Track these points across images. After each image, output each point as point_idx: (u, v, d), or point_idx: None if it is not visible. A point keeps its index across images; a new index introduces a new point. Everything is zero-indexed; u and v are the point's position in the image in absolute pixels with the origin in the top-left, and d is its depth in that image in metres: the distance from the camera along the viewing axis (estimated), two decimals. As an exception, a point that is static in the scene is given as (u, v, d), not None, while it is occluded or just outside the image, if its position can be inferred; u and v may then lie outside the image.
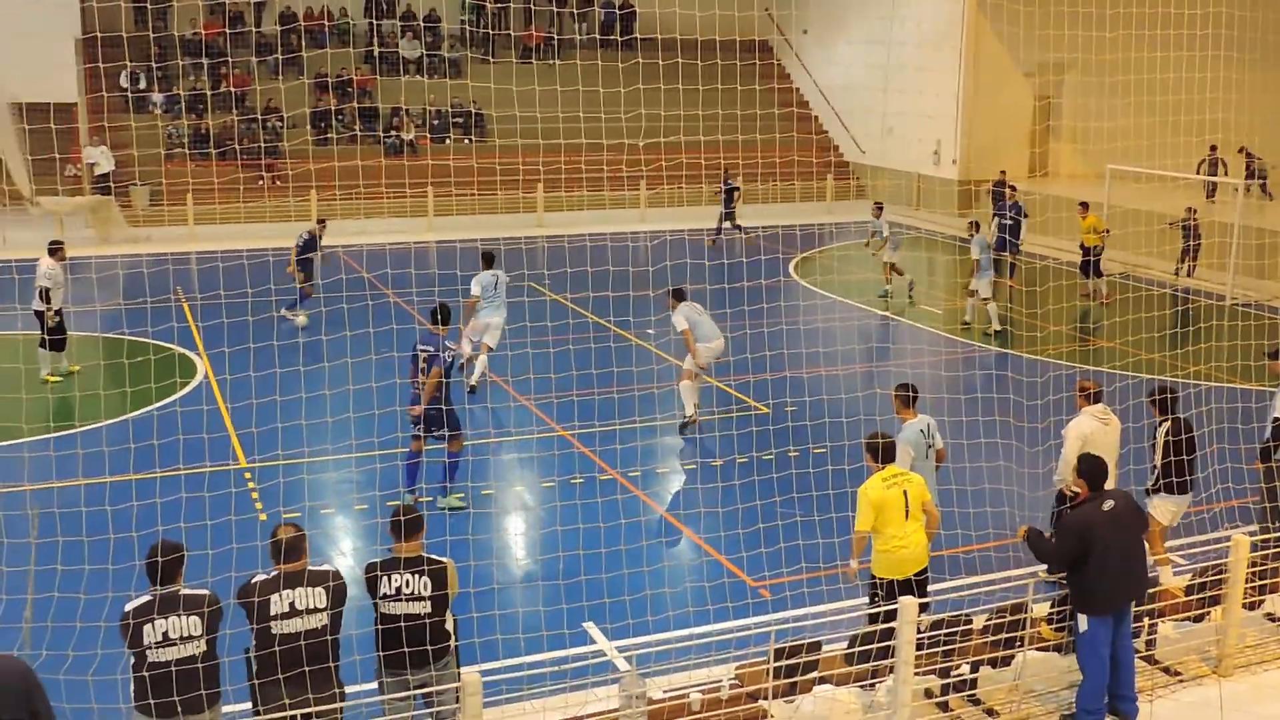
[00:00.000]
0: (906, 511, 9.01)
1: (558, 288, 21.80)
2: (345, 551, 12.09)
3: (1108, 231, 24.27)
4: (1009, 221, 23.96)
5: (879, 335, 21.96)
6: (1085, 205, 24.49)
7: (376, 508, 12.36)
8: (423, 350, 12.66)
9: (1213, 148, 28.62)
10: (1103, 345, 20.41)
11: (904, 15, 35.59)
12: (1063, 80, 33.90)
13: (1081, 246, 24.04)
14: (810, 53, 41.10)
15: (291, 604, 7.09)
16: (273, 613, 7.06)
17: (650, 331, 19.51)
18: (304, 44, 32.27)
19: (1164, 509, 10.86)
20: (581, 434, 15.17)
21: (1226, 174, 29.35)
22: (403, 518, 7.61)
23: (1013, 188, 30.62)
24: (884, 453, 9.20)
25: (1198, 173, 28.59)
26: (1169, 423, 10.80)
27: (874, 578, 9.22)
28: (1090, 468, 8.81)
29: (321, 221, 22.20)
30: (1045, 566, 11.21)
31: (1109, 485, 10.80)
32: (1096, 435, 10.66)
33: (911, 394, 10.61)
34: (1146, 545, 10.55)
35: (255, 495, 12.95)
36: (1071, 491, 10.59)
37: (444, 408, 12.60)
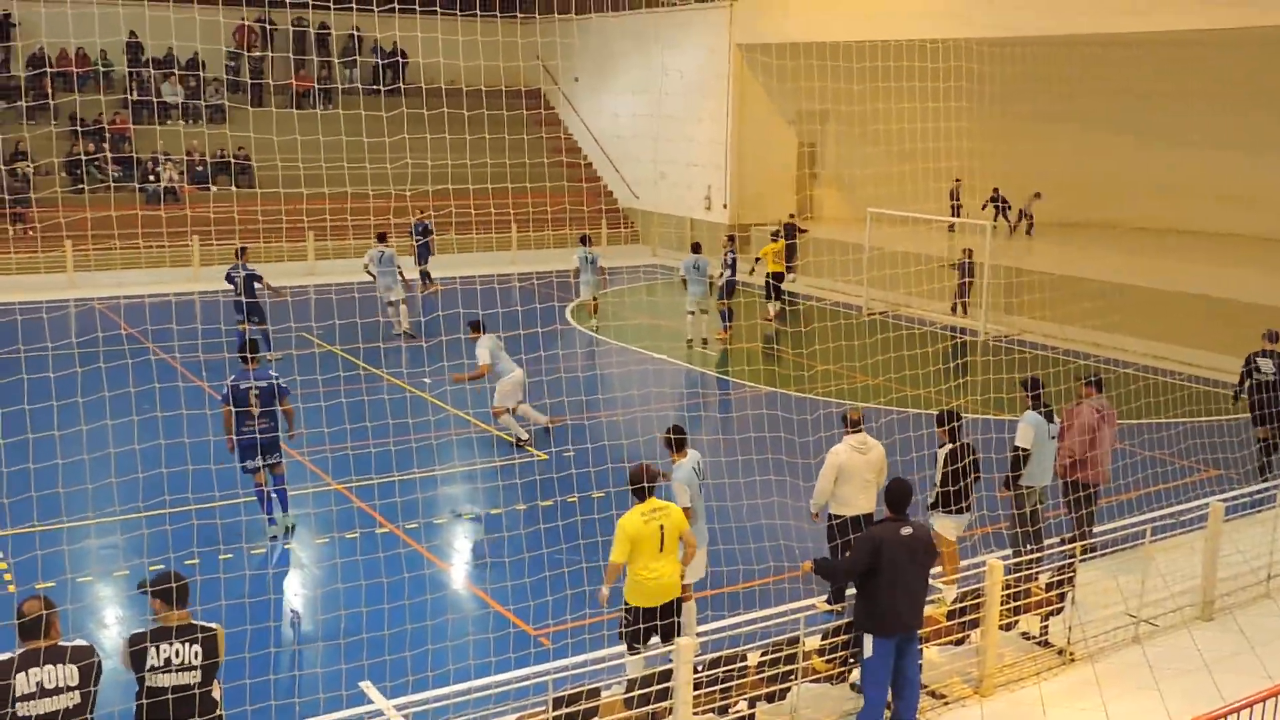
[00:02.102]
0: (661, 545, 9.26)
1: (330, 338, 21.33)
2: (108, 623, 11.47)
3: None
4: (726, 269, 24.84)
5: (655, 378, 22.26)
6: (775, 234, 27.46)
7: (138, 575, 11.75)
8: (256, 384, 12.99)
9: (956, 182, 30.34)
10: (869, 382, 21.20)
11: (672, 65, 36.51)
12: (824, 128, 35.31)
13: (769, 273, 26.32)
14: (583, 100, 41.66)
15: (39, 684, 6.65)
16: (18, 694, 6.60)
17: (426, 380, 19.29)
18: (57, 88, 30.83)
19: (945, 525, 11.38)
20: (358, 487, 14.85)
21: (959, 212, 31.20)
22: (170, 589, 7.25)
23: (802, 230, 31.81)
24: (645, 491, 9.38)
25: (950, 208, 30.19)
26: (951, 446, 11.33)
27: (625, 603, 9.45)
28: (895, 492, 8.98)
29: (244, 249, 21.66)
30: (819, 598, 11.59)
31: (870, 509, 11.31)
32: (853, 463, 11.10)
33: (679, 437, 10.71)
34: (943, 567, 11.07)
35: (5, 567, 12.16)
36: (832, 517, 11.06)
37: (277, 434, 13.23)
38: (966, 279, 26.75)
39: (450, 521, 14.52)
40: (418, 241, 27.34)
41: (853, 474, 11.14)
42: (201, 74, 35.38)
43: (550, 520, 13.13)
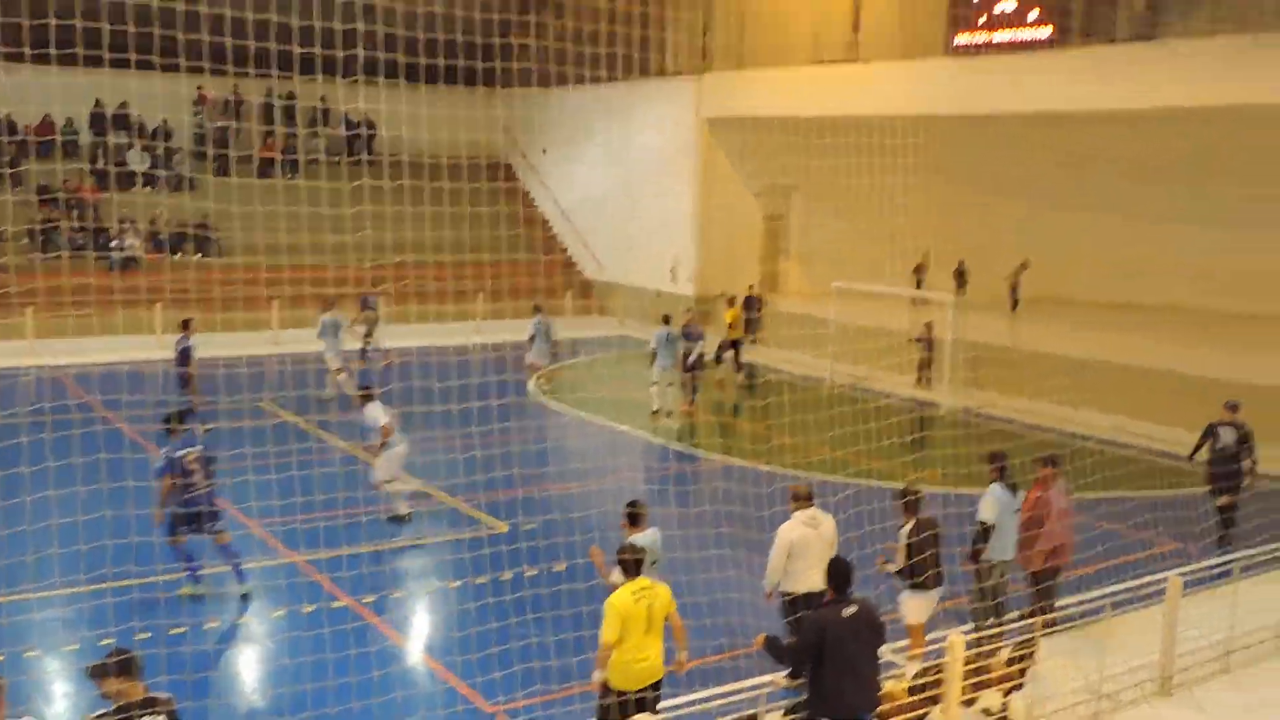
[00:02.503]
0: (649, 625, 9.09)
1: (291, 407, 21.19)
2: (53, 698, 11.19)
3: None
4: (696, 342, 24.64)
5: (619, 450, 22.16)
6: (731, 300, 28.21)
7: (88, 648, 11.52)
8: (189, 452, 13.28)
9: (922, 260, 30.57)
10: (832, 455, 21.17)
11: (639, 138, 36.87)
12: (790, 201, 35.65)
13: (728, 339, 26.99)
14: (550, 172, 41.94)
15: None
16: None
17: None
18: (22, 155, 30.74)
19: (911, 605, 11.29)
20: (315, 560, 14.64)
21: (921, 285, 31.40)
22: (122, 664, 7.07)
23: (763, 301, 32.09)
24: (634, 566, 9.25)
25: (914, 282, 30.36)
26: (912, 522, 11.27)
27: (608, 688, 9.21)
28: (835, 572, 8.85)
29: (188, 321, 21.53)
30: (780, 674, 11.45)
31: (821, 586, 11.17)
32: (805, 539, 11.02)
33: (636, 512, 10.58)
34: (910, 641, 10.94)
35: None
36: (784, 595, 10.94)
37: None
38: (928, 352, 26.93)
39: (407, 595, 14.32)
40: (367, 315, 27.32)
41: (805, 550, 11.05)
42: (165, 142, 35.44)
43: (509, 593, 12.94)
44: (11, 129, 31.25)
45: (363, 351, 27.21)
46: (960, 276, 32.04)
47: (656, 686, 9.25)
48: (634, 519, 10.54)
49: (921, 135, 21.77)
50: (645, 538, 10.47)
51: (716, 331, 28.90)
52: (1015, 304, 31.24)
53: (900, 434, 22.70)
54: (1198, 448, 16.85)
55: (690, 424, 23.62)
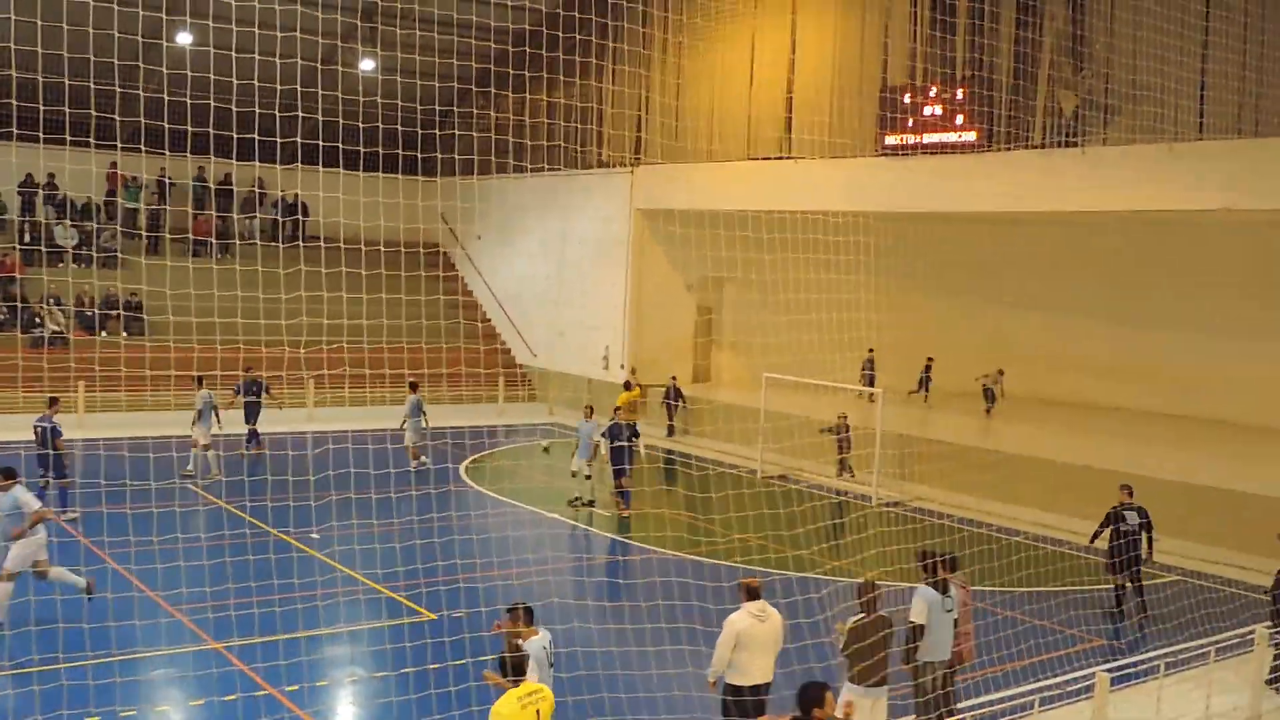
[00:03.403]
0: None
1: (216, 491, 20.86)
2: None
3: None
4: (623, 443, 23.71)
5: (551, 539, 22.01)
6: (627, 384, 29.59)
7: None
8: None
9: (869, 355, 30.79)
10: (769, 546, 21.23)
11: (574, 228, 37.19)
12: (722, 293, 36.04)
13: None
14: (484, 258, 42.10)
15: None
16: None
17: (315, 535, 18.89)
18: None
19: (858, 704, 10.93)
20: (236, 647, 14.33)
21: (873, 382, 31.53)
22: None
23: (679, 390, 32.38)
24: (516, 669, 9.03)
25: (861, 378, 30.56)
26: (867, 616, 11.12)
27: None
28: (806, 699, 8.34)
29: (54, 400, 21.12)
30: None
31: (767, 679, 11.11)
32: (752, 631, 10.98)
33: (528, 614, 10.30)
34: None
35: None
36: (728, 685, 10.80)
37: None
38: (844, 443, 27.17)
39: (333, 684, 14.04)
40: (246, 400, 26.98)
41: (750, 642, 11.00)
42: (93, 221, 35.11)
43: (439, 685, 12.73)
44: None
45: (252, 435, 27.29)
46: (925, 375, 31.89)
47: None
48: (527, 620, 10.21)
49: (856, 232, 22.16)
50: (538, 640, 10.08)
51: (652, 424, 28.95)
52: (990, 405, 30.74)
53: (827, 525, 22.87)
54: (1099, 532, 17.94)
55: (620, 515, 23.42)
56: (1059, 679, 13.11)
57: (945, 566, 12.31)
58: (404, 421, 26.81)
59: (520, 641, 10.00)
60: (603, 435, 23.58)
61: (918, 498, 25.66)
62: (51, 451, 20.25)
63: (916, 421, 28.14)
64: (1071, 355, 30.17)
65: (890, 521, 22.94)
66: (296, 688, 13.29)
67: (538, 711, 8.79)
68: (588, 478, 24.12)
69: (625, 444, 23.31)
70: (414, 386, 26.92)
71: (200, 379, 24.91)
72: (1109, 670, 11.94)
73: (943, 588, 12.01)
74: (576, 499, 23.85)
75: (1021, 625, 15.85)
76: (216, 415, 24.73)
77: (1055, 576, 19.01)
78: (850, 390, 28.53)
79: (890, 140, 28.93)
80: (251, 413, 27.23)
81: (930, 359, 31.32)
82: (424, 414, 26.70)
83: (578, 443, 24.31)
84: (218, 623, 14.97)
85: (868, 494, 25.66)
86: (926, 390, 31.71)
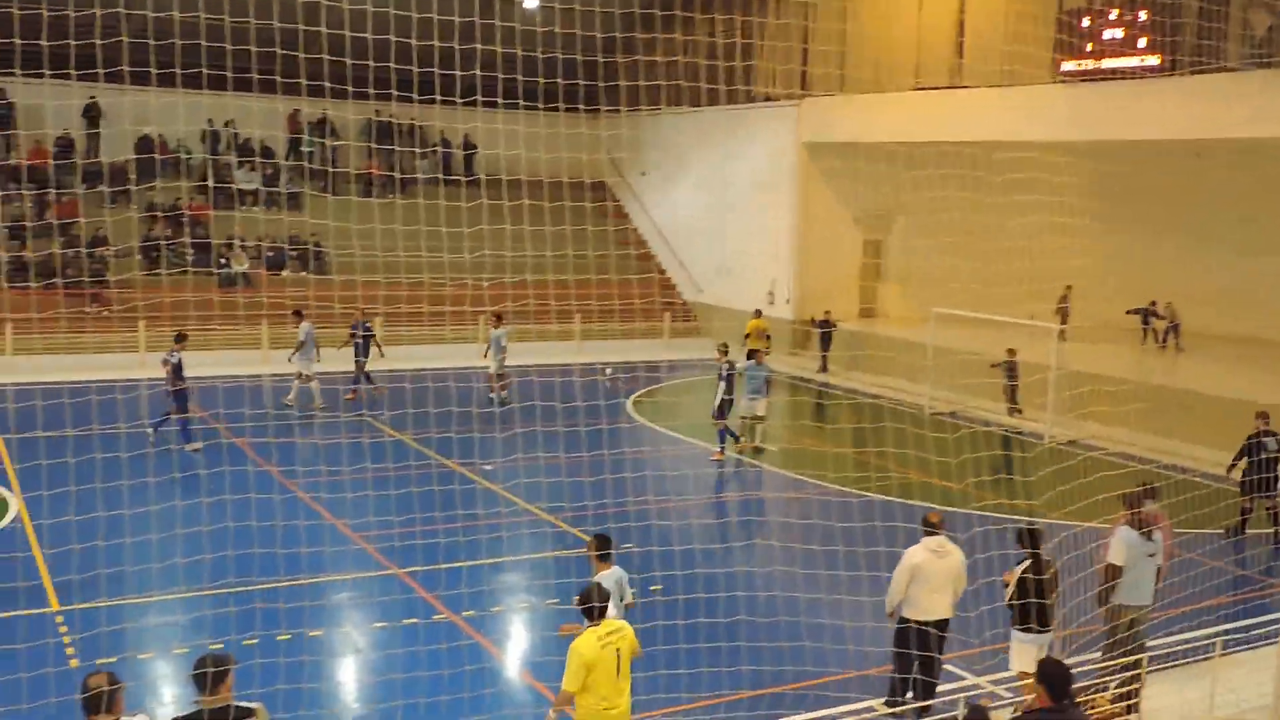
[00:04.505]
0: (618, 670, 8.79)
1: (397, 425, 21.59)
2: (166, 700, 11.53)
3: (768, 336, 30.22)
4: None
5: (716, 473, 22.16)
6: (758, 313, 30.04)
7: (197, 654, 11.83)
8: None
9: (1066, 291, 30.00)
10: (935, 483, 21.00)
11: (739, 162, 36.95)
12: (890, 226, 35.47)
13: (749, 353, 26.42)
14: (649, 194, 42.19)
15: (95, 759, 6.68)
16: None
17: (489, 468, 19.43)
18: (136, 174, 31.75)
19: (1017, 650, 10.78)
20: (418, 574, 14.89)
21: (1066, 318, 30.79)
22: (210, 668, 7.12)
23: (830, 324, 32.12)
24: (597, 612, 8.91)
25: (1056, 314, 29.86)
26: (1030, 560, 10.89)
27: None
28: (1049, 674, 7.52)
29: (182, 336, 21.81)
30: (878, 701, 11.42)
31: (944, 614, 11.01)
32: (928, 566, 10.88)
33: (604, 550, 10.30)
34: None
35: (68, 642, 12.31)
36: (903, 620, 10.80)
37: None
38: (1012, 380, 26.58)
39: (507, 610, 14.49)
40: (357, 339, 26.38)
41: (927, 577, 10.90)
42: (269, 160, 36.31)
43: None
44: (147, 148, 32.15)
45: (363, 375, 26.58)
46: (1146, 312, 31.01)
47: None
48: (602, 556, 10.22)
49: (1036, 166, 21.34)
50: (609, 575, 10.09)
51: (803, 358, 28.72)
52: (1165, 338, 30.22)
53: (997, 462, 22.48)
54: (1235, 463, 18.22)
55: (785, 450, 23.33)
56: (1243, 623, 12.73)
57: (1148, 497, 12.01)
58: (486, 351, 26.52)
59: (596, 578, 9.92)
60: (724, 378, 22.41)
61: (1092, 436, 24.99)
62: (173, 387, 20.88)
63: (1095, 358, 27.26)
64: (1252, 292, 28.84)
65: (1063, 459, 22.41)
66: (474, 614, 13.77)
67: (617, 650, 8.79)
68: (760, 418, 23.39)
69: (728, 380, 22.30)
70: (499, 319, 26.55)
71: (299, 312, 25.50)
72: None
73: (1146, 530, 11.64)
74: (742, 442, 23.48)
75: (1201, 567, 15.39)
76: (317, 348, 25.18)
77: (1228, 516, 18.32)
78: (1024, 326, 27.78)
79: (1067, 66, 27.87)
80: (361, 353, 26.42)
81: (1069, 287, 30.32)
82: (504, 348, 26.16)
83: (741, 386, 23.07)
84: (394, 549, 15.57)
85: (1040, 431, 25.09)
86: (1064, 321, 30.96)
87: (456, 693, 10.77)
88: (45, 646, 10.91)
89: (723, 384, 22.14)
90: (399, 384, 24.26)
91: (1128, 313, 30.59)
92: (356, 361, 26.20)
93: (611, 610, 9.31)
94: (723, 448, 22.39)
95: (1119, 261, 30.24)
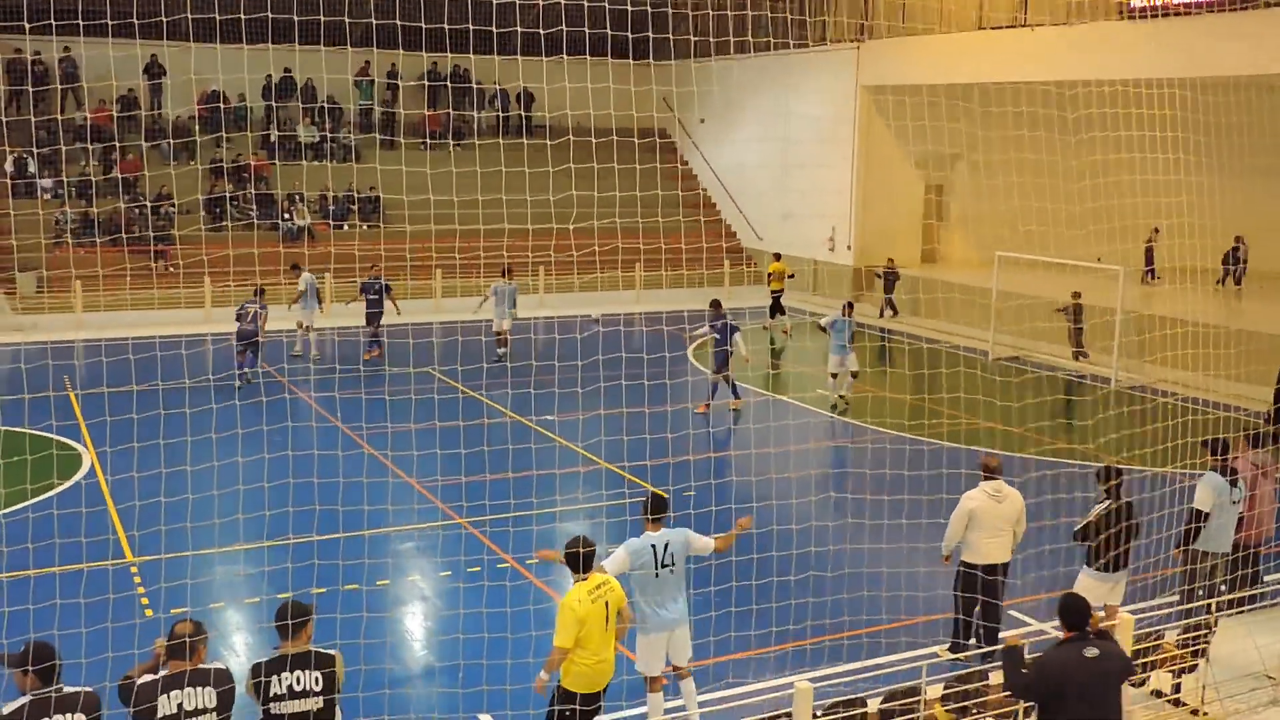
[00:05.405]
0: (607, 622, 8.78)
1: (456, 375, 21.70)
2: (236, 649, 11.76)
3: (792, 275, 31.05)
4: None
5: (779, 420, 22.08)
6: (778, 255, 30.63)
7: (268, 605, 12.06)
8: None
9: (1154, 232, 29.47)
10: (998, 428, 20.76)
11: (798, 107, 36.52)
12: (952, 170, 34.93)
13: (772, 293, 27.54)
14: (708, 141, 41.89)
15: (180, 705, 6.83)
16: (160, 715, 6.79)
17: (551, 418, 19.51)
18: (199, 129, 32.01)
19: (1084, 584, 10.71)
20: (479, 520, 15.02)
21: (1152, 262, 30.34)
22: (290, 618, 7.35)
23: (894, 271, 31.83)
24: (584, 561, 8.76)
25: (1145, 256, 29.37)
26: (1110, 503, 10.82)
27: (562, 689, 8.86)
28: (1069, 607, 7.83)
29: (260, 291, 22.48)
30: (942, 647, 11.39)
31: (1002, 558, 10.98)
32: (985, 510, 10.85)
33: (659, 513, 9.70)
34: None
35: (142, 593, 12.57)
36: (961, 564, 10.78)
37: None
38: (1076, 324, 26.19)
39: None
40: (367, 299, 26.02)
41: (985, 521, 10.89)
42: (341, 112, 36.39)
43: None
44: (210, 102, 32.41)
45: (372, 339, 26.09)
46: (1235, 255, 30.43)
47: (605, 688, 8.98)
48: (656, 519, 9.67)
49: (1104, 104, 20.82)
50: (650, 538, 9.58)
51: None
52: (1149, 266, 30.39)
53: (1063, 407, 22.20)
54: None
55: (849, 398, 23.09)
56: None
57: (1247, 443, 11.87)
58: (482, 303, 25.96)
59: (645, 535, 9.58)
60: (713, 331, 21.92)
61: (1160, 380, 24.57)
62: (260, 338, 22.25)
63: (1176, 301, 26.68)
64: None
65: (1130, 403, 22.11)
66: (535, 560, 13.88)
67: (606, 603, 8.79)
68: (855, 373, 22.42)
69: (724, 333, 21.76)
70: (509, 272, 26.08)
71: (297, 265, 25.82)
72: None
73: (1232, 480, 11.43)
74: (839, 396, 22.53)
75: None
76: (319, 299, 25.42)
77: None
78: (1091, 269, 27.26)
79: (1136, 1, 27.17)
80: (372, 315, 26.06)
81: (1155, 229, 29.72)
82: (515, 303, 25.73)
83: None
84: (457, 496, 15.67)
85: (1107, 376, 24.72)
86: (1150, 263, 30.45)
87: (521, 632, 10.81)
88: (125, 598, 11.15)
89: (717, 336, 21.72)
90: (472, 336, 24.21)
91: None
92: (368, 315, 25.86)
93: (622, 568, 9.29)
94: (736, 396, 21.97)
95: (1206, 199, 29.55)
